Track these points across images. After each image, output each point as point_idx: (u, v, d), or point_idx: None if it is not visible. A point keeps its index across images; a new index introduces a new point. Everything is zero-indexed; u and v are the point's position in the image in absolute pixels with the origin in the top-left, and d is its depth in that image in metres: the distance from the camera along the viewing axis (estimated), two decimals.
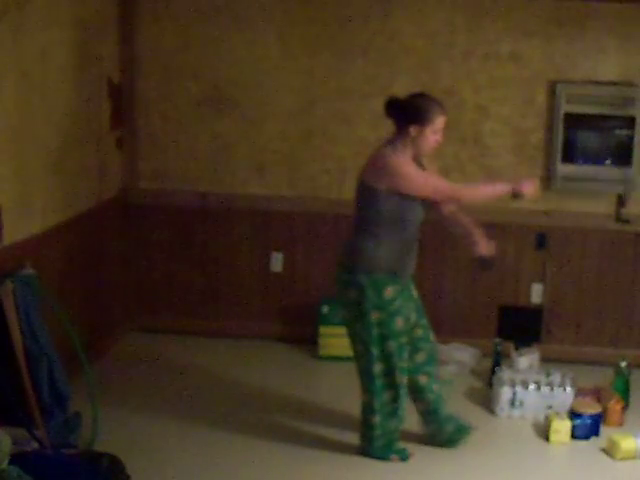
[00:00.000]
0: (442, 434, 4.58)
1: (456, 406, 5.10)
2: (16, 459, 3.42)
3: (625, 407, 4.95)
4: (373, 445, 4.41)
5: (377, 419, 4.37)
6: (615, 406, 4.88)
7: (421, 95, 4.31)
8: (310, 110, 5.69)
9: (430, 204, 4.30)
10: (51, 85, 4.80)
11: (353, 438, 4.61)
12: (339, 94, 5.63)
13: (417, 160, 4.26)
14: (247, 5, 5.62)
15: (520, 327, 5.74)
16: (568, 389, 4.95)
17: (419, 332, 4.47)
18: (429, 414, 4.59)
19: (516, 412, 4.96)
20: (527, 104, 5.56)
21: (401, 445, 4.48)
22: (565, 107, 5.42)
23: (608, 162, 5.45)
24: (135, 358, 5.61)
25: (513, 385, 4.96)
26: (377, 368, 4.32)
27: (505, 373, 5.07)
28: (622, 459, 4.53)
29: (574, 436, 4.72)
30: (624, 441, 4.54)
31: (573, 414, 4.75)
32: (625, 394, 5.03)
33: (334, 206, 5.62)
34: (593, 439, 4.73)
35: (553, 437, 4.70)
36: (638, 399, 5.12)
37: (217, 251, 5.88)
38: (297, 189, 5.78)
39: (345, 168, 5.62)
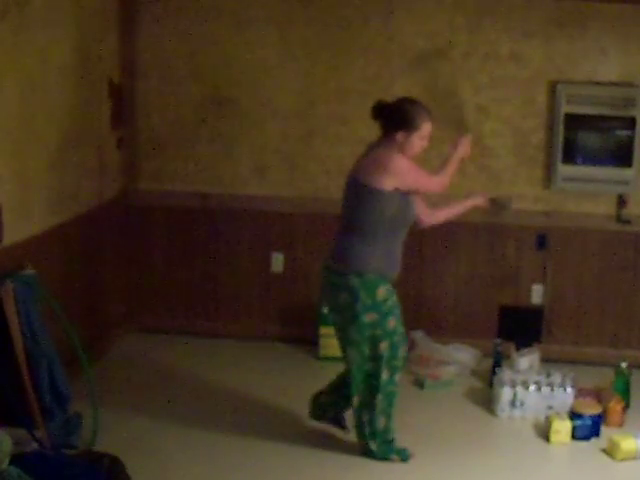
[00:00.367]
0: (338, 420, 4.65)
1: (456, 407, 5.12)
2: (16, 459, 3.42)
3: (625, 407, 4.95)
4: (372, 445, 4.40)
5: (371, 417, 4.36)
6: (615, 406, 4.88)
7: (409, 100, 4.31)
8: (310, 110, 5.69)
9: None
10: (51, 85, 4.80)
11: (354, 438, 4.62)
12: (339, 94, 5.63)
13: None
14: (247, 5, 5.62)
15: (520, 327, 5.74)
16: (568, 389, 4.95)
17: None
18: (342, 409, 4.62)
19: (516, 412, 4.96)
20: (527, 104, 5.57)
21: (400, 445, 4.48)
22: (565, 107, 5.42)
23: (608, 163, 5.45)
24: (135, 358, 5.61)
25: (514, 385, 4.96)
26: (368, 368, 4.32)
27: (505, 373, 5.07)
28: (622, 460, 4.52)
29: (574, 436, 4.72)
30: (624, 441, 4.53)
31: (573, 414, 4.75)
32: (625, 394, 5.03)
33: (334, 206, 5.59)
34: (593, 440, 4.73)
35: (553, 437, 4.70)
36: (638, 399, 5.12)
37: (217, 251, 5.88)
38: (297, 189, 5.78)
39: (345, 168, 5.56)
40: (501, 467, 4.46)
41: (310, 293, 5.79)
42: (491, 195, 4.74)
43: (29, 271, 4.23)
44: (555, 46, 5.48)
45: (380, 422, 4.39)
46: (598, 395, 5.02)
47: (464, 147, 4.53)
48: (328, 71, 5.63)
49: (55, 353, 4.20)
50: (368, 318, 4.24)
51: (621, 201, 5.56)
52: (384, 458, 4.42)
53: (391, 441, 4.45)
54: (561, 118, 5.43)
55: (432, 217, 4.60)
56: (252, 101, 5.70)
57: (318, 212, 5.74)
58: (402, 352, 4.40)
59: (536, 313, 5.75)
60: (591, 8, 5.39)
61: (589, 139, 5.46)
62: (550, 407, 4.92)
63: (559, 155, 5.47)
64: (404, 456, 4.45)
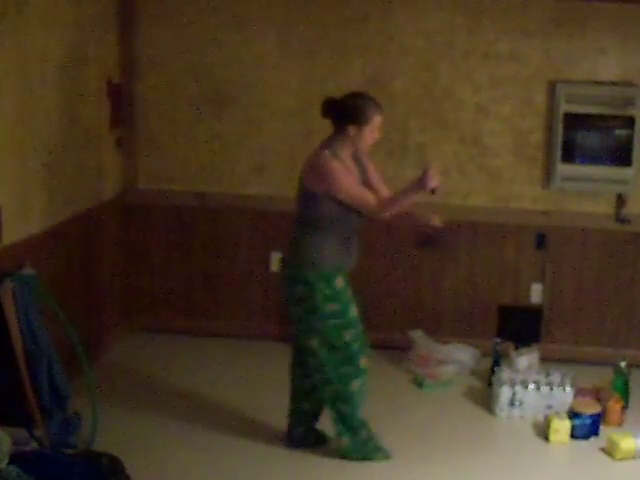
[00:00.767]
0: (308, 438, 4.56)
1: (456, 406, 5.12)
2: (16, 459, 3.43)
3: (625, 407, 4.96)
4: (345, 439, 4.39)
5: (348, 409, 4.36)
6: (615, 406, 4.88)
7: (358, 95, 4.33)
8: (309, 110, 5.67)
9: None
10: (50, 85, 4.80)
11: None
12: (338, 94, 5.61)
13: (356, 157, 4.32)
14: (247, 5, 5.62)
15: (520, 327, 5.74)
16: (568, 389, 4.95)
17: None
18: (307, 415, 4.56)
19: (516, 412, 4.96)
20: (527, 104, 5.56)
21: (380, 443, 4.47)
22: (565, 107, 5.42)
23: (607, 162, 5.45)
24: (135, 358, 5.61)
25: (513, 385, 4.96)
26: (337, 358, 4.31)
27: (505, 373, 5.07)
28: (622, 459, 4.53)
29: (574, 436, 4.72)
30: (624, 441, 4.54)
31: (573, 414, 4.75)
32: (625, 394, 5.03)
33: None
34: (593, 439, 4.73)
35: (553, 437, 4.70)
36: (638, 399, 5.12)
37: (217, 251, 5.88)
38: (296, 189, 5.76)
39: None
40: (500, 466, 4.47)
41: None
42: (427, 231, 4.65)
43: (28, 271, 4.23)
44: (554, 45, 5.48)
45: (357, 416, 4.38)
46: (597, 394, 5.02)
47: (427, 179, 4.12)
48: (327, 70, 5.63)
49: (54, 353, 4.20)
50: (329, 308, 4.24)
51: (620, 200, 5.56)
52: (366, 457, 4.40)
53: (373, 435, 4.43)
54: (560, 117, 5.43)
55: (380, 207, 4.30)
56: (251, 100, 5.70)
57: None
58: (362, 340, 4.41)
59: (535, 312, 5.76)
60: (590, 8, 5.39)
61: (588, 138, 5.46)
62: (549, 406, 4.93)
63: (558, 154, 5.47)
64: (386, 454, 4.44)
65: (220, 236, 5.87)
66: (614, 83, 5.43)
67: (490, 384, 5.20)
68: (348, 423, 4.39)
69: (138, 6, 5.66)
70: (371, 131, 4.24)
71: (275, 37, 5.63)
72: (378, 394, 5.23)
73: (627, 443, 4.53)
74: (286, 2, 5.59)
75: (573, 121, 5.43)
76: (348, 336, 4.30)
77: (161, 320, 6.00)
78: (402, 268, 5.79)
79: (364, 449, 4.42)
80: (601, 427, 4.78)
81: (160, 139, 5.83)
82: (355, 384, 4.36)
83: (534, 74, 5.52)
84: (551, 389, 4.95)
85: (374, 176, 4.44)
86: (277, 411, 4.82)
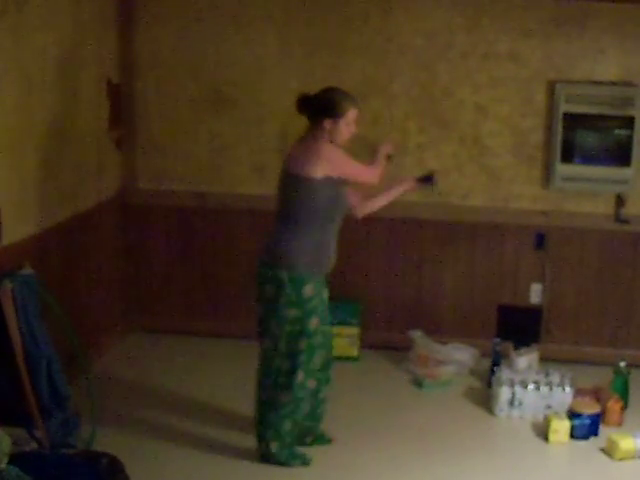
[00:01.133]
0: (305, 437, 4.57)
1: (455, 406, 5.12)
2: (15, 459, 3.42)
3: (624, 407, 4.96)
4: (272, 446, 4.33)
5: (277, 418, 4.31)
6: (614, 406, 4.88)
7: (332, 89, 4.36)
8: None
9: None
10: (50, 85, 4.80)
11: (355, 438, 4.62)
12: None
13: None
14: (246, 5, 5.62)
15: (519, 327, 5.74)
16: (567, 389, 4.95)
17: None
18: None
19: (515, 412, 4.97)
20: (526, 104, 5.56)
21: (300, 450, 4.43)
22: (564, 107, 5.42)
23: (607, 162, 5.46)
24: (135, 358, 5.62)
25: (512, 385, 4.96)
26: (281, 365, 4.29)
27: (504, 373, 5.07)
28: (621, 459, 4.53)
29: (573, 436, 4.72)
30: (623, 441, 4.54)
31: (572, 414, 4.75)
32: (624, 394, 5.03)
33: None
34: (592, 439, 4.74)
35: (552, 437, 4.70)
36: (637, 399, 5.12)
37: (216, 251, 5.88)
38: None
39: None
40: (500, 467, 4.47)
41: None
42: (417, 176, 4.72)
43: (28, 271, 4.23)
44: (554, 45, 5.48)
45: (286, 425, 4.32)
46: (597, 394, 5.02)
47: (385, 147, 4.62)
48: (327, 70, 5.62)
49: (54, 353, 4.20)
50: (290, 313, 4.22)
51: (620, 200, 5.56)
52: (285, 463, 4.35)
53: (291, 445, 4.39)
54: (560, 117, 5.43)
55: (365, 207, 4.62)
56: (251, 100, 5.70)
57: None
58: (318, 358, 4.34)
59: (535, 312, 5.76)
60: (590, 8, 5.39)
61: (588, 138, 5.46)
62: (549, 406, 4.93)
63: (558, 154, 5.47)
64: (305, 460, 4.39)
65: (220, 236, 5.87)
66: (614, 83, 5.43)
67: (489, 384, 5.20)
68: (271, 430, 4.33)
69: (138, 6, 5.66)
70: (347, 124, 4.27)
71: (275, 37, 5.63)
72: (378, 394, 5.25)
73: (626, 443, 4.54)
74: (286, 2, 5.59)
75: (572, 121, 5.43)
76: (302, 346, 4.26)
77: (161, 320, 6.00)
78: (402, 268, 5.79)
79: (278, 457, 4.35)
80: (600, 427, 4.78)
81: (160, 139, 5.83)
82: (286, 397, 4.29)
83: (534, 74, 5.52)
84: (550, 389, 4.95)
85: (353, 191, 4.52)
86: None
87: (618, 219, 5.58)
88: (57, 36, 4.84)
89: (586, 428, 4.73)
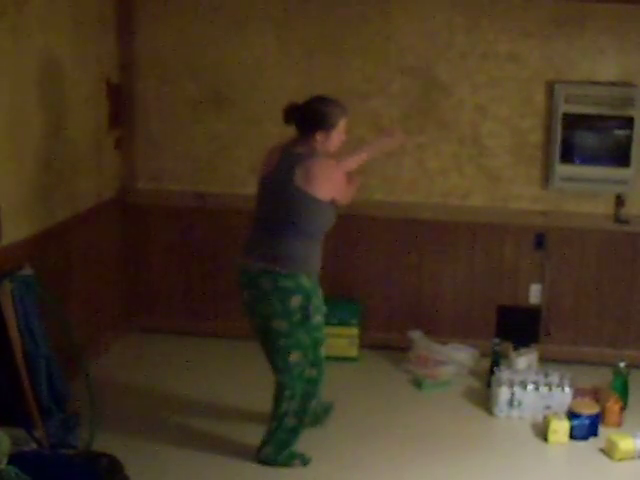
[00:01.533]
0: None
1: (454, 406, 5.12)
2: (15, 459, 3.42)
3: (624, 407, 4.96)
4: (278, 456, 4.37)
5: (293, 434, 4.38)
6: (613, 406, 4.88)
7: (321, 100, 4.32)
8: None
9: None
10: (49, 85, 4.80)
11: (355, 438, 4.62)
12: (338, 94, 5.57)
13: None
14: (245, 5, 5.62)
15: (519, 327, 5.74)
16: (566, 389, 4.95)
17: None
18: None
19: (514, 412, 4.96)
20: (526, 104, 5.56)
21: (299, 450, 4.43)
22: (564, 107, 5.42)
23: (606, 163, 5.46)
24: (135, 358, 5.62)
25: (511, 385, 4.96)
26: (310, 373, 4.40)
27: (503, 373, 5.07)
28: (620, 459, 4.53)
29: (572, 436, 4.72)
30: (622, 441, 4.54)
31: (571, 414, 4.75)
32: (624, 394, 5.03)
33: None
34: (591, 439, 4.73)
35: (551, 437, 4.70)
36: (637, 399, 5.12)
37: (216, 251, 5.88)
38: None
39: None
40: (499, 467, 4.47)
41: None
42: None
43: (27, 271, 4.22)
44: (553, 46, 5.48)
45: (293, 420, 4.40)
46: (596, 395, 5.02)
47: (391, 139, 4.55)
48: (326, 71, 5.62)
49: (53, 353, 4.20)
50: (318, 319, 4.28)
51: (619, 201, 5.56)
52: (286, 463, 4.37)
53: (294, 444, 4.42)
54: (559, 118, 5.43)
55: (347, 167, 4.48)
56: (250, 101, 5.70)
57: None
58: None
59: (534, 313, 5.76)
60: (589, 8, 5.39)
61: (587, 139, 5.46)
62: (548, 407, 4.93)
63: (557, 155, 5.47)
64: (304, 460, 4.40)
65: (219, 236, 5.87)
66: (613, 83, 5.43)
67: (489, 384, 5.20)
68: (283, 427, 4.39)
69: (137, 6, 5.66)
70: (338, 134, 4.26)
71: (274, 37, 5.63)
72: (377, 394, 5.25)
73: (626, 444, 4.54)
74: (285, 2, 5.59)
75: (572, 121, 5.42)
76: (322, 351, 4.40)
77: (161, 320, 6.00)
78: (401, 268, 5.79)
79: (282, 456, 4.39)
80: (600, 428, 4.78)
81: (159, 139, 5.83)
82: (311, 404, 4.43)
83: (533, 74, 5.52)
84: (550, 389, 4.95)
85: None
86: None
87: (618, 219, 5.58)
88: (56, 36, 4.84)
89: (585, 428, 4.73)
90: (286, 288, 4.19)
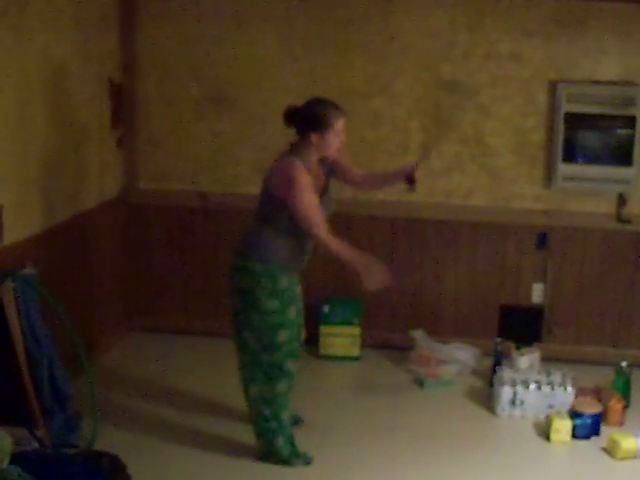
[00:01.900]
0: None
1: (457, 406, 5.12)
2: (17, 459, 3.42)
3: (626, 407, 4.95)
4: (277, 442, 4.35)
5: (268, 411, 4.34)
6: (616, 406, 4.88)
7: (318, 102, 4.31)
8: None
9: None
10: (51, 85, 4.80)
11: (356, 437, 4.62)
12: (339, 94, 5.59)
13: (323, 160, 4.31)
14: (247, 5, 5.62)
15: (521, 326, 5.74)
16: (569, 389, 4.95)
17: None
18: None
19: (517, 412, 4.96)
20: (528, 104, 5.56)
21: (302, 449, 4.43)
22: (566, 107, 5.41)
23: (608, 162, 5.45)
24: (135, 358, 5.61)
25: (514, 385, 4.96)
26: (270, 358, 4.31)
27: (506, 372, 5.07)
28: (623, 459, 4.53)
29: (575, 436, 4.72)
30: (625, 441, 4.54)
31: (574, 414, 4.75)
32: (626, 394, 5.03)
33: (334, 205, 5.63)
34: (594, 439, 4.73)
35: (554, 436, 4.70)
36: (639, 399, 5.12)
37: (217, 251, 5.87)
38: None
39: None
40: (501, 466, 4.46)
41: (309, 292, 5.77)
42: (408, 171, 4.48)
43: (29, 270, 4.23)
44: (555, 45, 5.48)
45: (285, 416, 4.37)
46: (598, 394, 5.02)
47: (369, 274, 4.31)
48: (328, 70, 5.63)
49: (55, 352, 4.20)
50: (270, 304, 4.24)
51: (621, 200, 5.56)
52: (288, 460, 4.36)
53: (292, 439, 4.41)
54: (561, 117, 5.43)
55: (365, 180, 4.60)
56: (252, 100, 5.70)
57: None
58: (298, 343, 4.39)
59: (536, 312, 5.75)
60: (591, 7, 5.39)
61: (589, 138, 5.46)
62: (550, 406, 4.93)
63: (559, 154, 5.47)
64: (307, 459, 4.40)
65: (220, 236, 5.87)
66: (615, 83, 5.43)
67: (491, 384, 5.20)
68: (267, 426, 4.36)
69: (139, 6, 5.66)
70: (336, 135, 4.23)
71: (276, 37, 5.63)
72: (379, 394, 5.24)
73: (628, 443, 4.53)
74: (287, 2, 5.59)
75: (574, 121, 5.42)
76: (282, 337, 4.28)
77: (161, 320, 6.00)
78: (403, 268, 5.79)
79: (282, 453, 4.37)
80: (602, 427, 4.78)
81: (161, 139, 5.83)
82: (280, 387, 4.34)
83: (535, 74, 5.52)
84: (552, 389, 4.95)
85: (348, 168, 4.51)
86: None
87: (620, 219, 5.57)
88: (58, 36, 4.84)
89: (588, 428, 4.73)
90: (239, 267, 4.26)
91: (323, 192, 4.33)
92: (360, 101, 5.61)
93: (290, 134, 5.74)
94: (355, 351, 5.68)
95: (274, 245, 4.22)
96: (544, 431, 4.77)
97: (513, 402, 4.95)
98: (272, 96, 5.66)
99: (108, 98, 5.55)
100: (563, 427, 4.69)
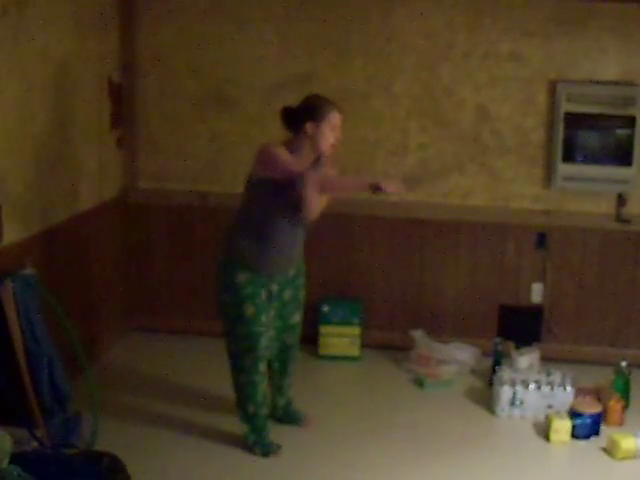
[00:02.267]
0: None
1: (456, 406, 5.12)
2: (16, 459, 3.42)
3: (625, 407, 4.96)
4: (245, 426, 4.47)
5: (240, 399, 4.48)
6: (615, 405, 4.88)
7: (311, 95, 4.39)
8: None
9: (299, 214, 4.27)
10: (51, 85, 4.80)
11: (356, 437, 4.62)
12: (339, 94, 5.60)
13: (317, 161, 4.25)
14: (247, 5, 5.62)
15: (520, 326, 5.74)
16: (568, 388, 4.95)
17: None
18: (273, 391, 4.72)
19: (516, 411, 4.96)
20: (527, 103, 5.56)
21: (272, 439, 4.50)
22: (565, 106, 5.42)
23: (608, 162, 5.45)
24: (135, 358, 5.61)
25: (513, 384, 4.96)
26: (235, 348, 4.40)
27: (505, 372, 5.07)
28: (622, 459, 4.53)
29: (574, 435, 4.72)
30: (624, 441, 4.54)
31: (573, 413, 4.75)
32: (625, 393, 5.03)
33: (334, 205, 5.62)
34: (593, 439, 4.73)
35: (553, 436, 4.70)
36: (638, 399, 5.12)
37: (217, 251, 5.86)
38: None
39: (345, 168, 5.60)
40: (501, 466, 4.46)
41: (310, 292, 5.77)
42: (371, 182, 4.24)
43: (29, 270, 4.23)
44: (555, 45, 5.48)
45: (249, 408, 4.44)
46: (598, 394, 5.02)
47: (391, 187, 4.08)
48: (327, 70, 5.63)
49: (55, 352, 4.20)
50: (226, 297, 4.34)
51: (621, 200, 5.56)
52: (250, 447, 4.45)
53: (261, 431, 4.46)
54: (561, 117, 5.43)
55: (320, 182, 4.23)
56: (252, 100, 5.70)
57: None
58: (265, 342, 4.39)
59: (536, 312, 5.75)
60: (591, 7, 5.39)
61: (589, 138, 5.46)
62: (550, 406, 4.93)
63: (559, 154, 5.47)
64: (266, 451, 4.44)
65: (221, 236, 5.85)
66: (615, 83, 5.43)
67: (491, 384, 5.20)
68: (242, 413, 4.49)
69: (139, 5, 5.67)
70: (331, 129, 4.24)
71: (276, 36, 5.63)
72: (379, 393, 5.25)
73: (628, 443, 4.53)
74: (286, 2, 5.59)
75: (574, 121, 5.43)
76: (242, 331, 4.34)
77: (161, 320, 6.00)
78: (402, 268, 5.79)
79: (253, 440, 4.47)
80: (602, 427, 4.78)
81: (161, 138, 5.83)
82: (243, 378, 4.43)
83: (535, 74, 5.52)
84: (552, 389, 4.95)
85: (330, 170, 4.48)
86: None
87: (619, 219, 5.57)
88: (58, 36, 4.84)
89: (587, 428, 4.73)
90: (223, 269, 4.36)
91: None
92: (360, 101, 5.62)
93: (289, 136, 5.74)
94: (355, 351, 5.68)
95: (240, 244, 4.31)
96: (543, 431, 4.77)
97: (513, 402, 4.95)
98: (272, 96, 5.66)
99: (108, 98, 5.55)
100: (563, 427, 4.69)
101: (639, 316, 5.70)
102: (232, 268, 4.31)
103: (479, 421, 4.94)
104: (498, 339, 5.44)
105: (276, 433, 4.61)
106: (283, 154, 4.20)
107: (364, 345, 5.72)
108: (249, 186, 4.34)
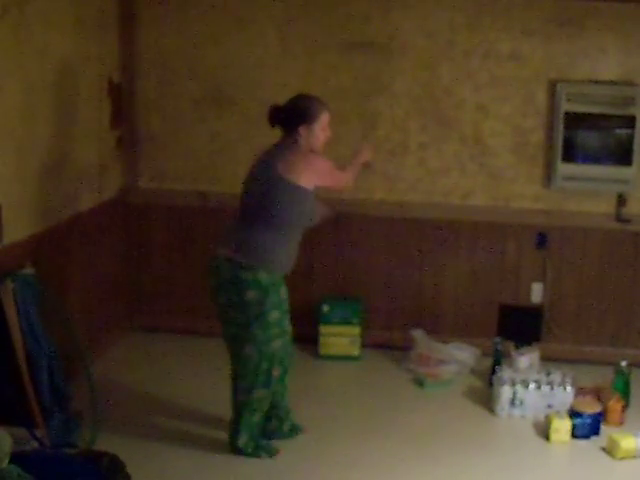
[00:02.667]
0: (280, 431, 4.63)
1: (456, 405, 5.12)
2: (16, 458, 3.42)
3: (625, 406, 4.96)
4: (239, 442, 4.41)
5: (248, 415, 4.40)
6: (615, 405, 4.88)
7: (300, 96, 4.40)
8: None
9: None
10: (51, 85, 4.80)
11: (356, 437, 4.62)
12: (339, 93, 5.63)
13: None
14: (247, 4, 5.62)
15: (520, 326, 5.74)
16: (568, 388, 4.95)
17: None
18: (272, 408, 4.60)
19: (516, 411, 4.96)
20: (527, 103, 5.56)
21: (265, 442, 4.50)
22: (565, 106, 5.42)
23: (608, 162, 5.46)
24: (135, 358, 5.62)
25: (513, 384, 4.96)
26: (266, 367, 4.31)
27: (505, 372, 5.07)
28: (622, 458, 4.53)
29: (574, 435, 4.72)
30: (624, 440, 4.54)
31: (573, 413, 4.75)
32: (625, 393, 5.03)
33: (334, 205, 5.63)
34: (593, 438, 4.73)
35: (553, 436, 4.70)
36: (638, 398, 5.12)
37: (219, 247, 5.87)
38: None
39: (345, 167, 5.60)
40: (501, 466, 4.47)
41: (309, 291, 5.80)
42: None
43: (29, 270, 4.24)
44: (555, 45, 5.48)
45: (256, 418, 4.41)
46: (598, 394, 5.02)
47: (365, 153, 4.69)
48: (327, 70, 5.63)
49: (55, 352, 4.20)
50: (274, 316, 4.26)
51: (621, 200, 5.56)
52: (253, 454, 4.42)
53: (259, 436, 4.46)
54: (561, 117, 5.43)
55: (343, 181, 4.61)
56: (252, 100, 5.70)
57: None
58: (288, 348, 4.42)
59: (536, 312, 5.76)
60: (591, 7, 5.39)
61: (589, 138, 5.46)
62: (550, 406, 4.93)
63: (559, 154, 5.47)
64: (270, 451, 4.45)
65: (220, 235, 5.86)
66: (615, 82, 5.43)
67: (491, 383, 5.20)
68: (245, 426, 4.41)
69: (139, 5, 5.67)
70: (322, 129, 4.29)
71: (276, 36, 5.63)
72: (379, 393, 5.24)
73: (627, 442, 4.53)
74: (287, 2, 5.59)
75: (574, 120, 5.43)
76: (278, 345, 4.31)
77: (161, 320, 6.00)
78: (403, 267, 5.79)
79: (249, 448, 4.44)
80: (602, 427, 4.78)
81: (161, 138, 5.83)
82: (263, 393, 4.37)
83: (535, 73, 5.52)
84: (552, 388, 4.95)
85: None
86: None
87: (619, 218, 5.58)
88: (58, 36, 4.84)
89: (587, 427, 4.73)
90: (243, 280, 4.22)
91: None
92: (359, 100, 5.62)
93: None
94: (355, 351, 5.68)
95: (278, 251, 4.24)
96: (543, 431, 4.77)
97: (512, 402, 4.95)
98: (272, 96, 5.64)
99: (108, 98, 5.55)
100: (562, 427, 4.69)
101: (639, 316, 5.69)
102: (277, 283, 4.25)
103: (479, 421, 4.94)
104: (498, 339, 5.44)
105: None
106: (330, 163, 4.33)
107: (364, 345, 5.72)
108: (276, 189, 4.19)
